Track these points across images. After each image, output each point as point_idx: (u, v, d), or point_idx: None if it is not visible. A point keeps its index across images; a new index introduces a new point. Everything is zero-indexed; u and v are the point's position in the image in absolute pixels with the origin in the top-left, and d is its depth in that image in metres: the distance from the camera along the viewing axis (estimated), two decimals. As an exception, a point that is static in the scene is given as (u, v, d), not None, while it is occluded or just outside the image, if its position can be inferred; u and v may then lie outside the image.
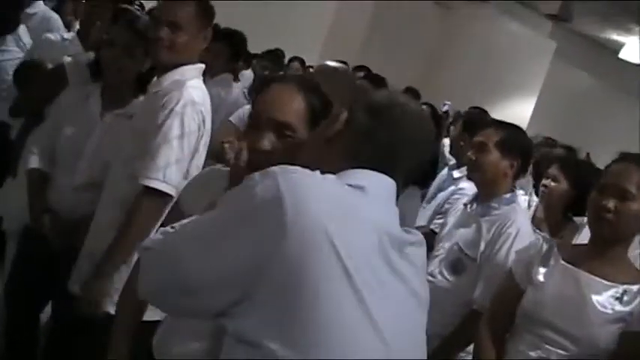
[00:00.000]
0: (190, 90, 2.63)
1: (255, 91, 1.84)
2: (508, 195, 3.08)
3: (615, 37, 11.46)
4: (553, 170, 3.79)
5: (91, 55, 3.22)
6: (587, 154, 8.25)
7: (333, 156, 1.58)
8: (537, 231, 3.60)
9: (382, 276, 1.45)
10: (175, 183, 2.56)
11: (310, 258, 1.36)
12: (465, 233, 3.04)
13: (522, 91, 11.87)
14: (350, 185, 1.49)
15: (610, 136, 11.85)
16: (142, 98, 3.00)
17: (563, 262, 2.41)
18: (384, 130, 1.55)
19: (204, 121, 2.66)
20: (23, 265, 3.11)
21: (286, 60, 7.32)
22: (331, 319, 1.36)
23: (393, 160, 1.56)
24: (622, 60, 11.39)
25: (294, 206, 1.38)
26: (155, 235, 1.56)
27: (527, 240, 2.91)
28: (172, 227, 1.54)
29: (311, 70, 8.36)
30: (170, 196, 2.54)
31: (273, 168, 1.47)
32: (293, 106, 1.78)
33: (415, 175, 1.68)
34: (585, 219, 3.84)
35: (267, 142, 1.73)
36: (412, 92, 7.72)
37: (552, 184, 3.75)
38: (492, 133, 3.07)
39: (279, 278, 1.36)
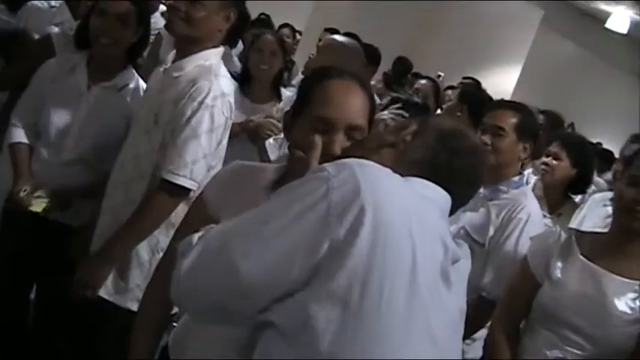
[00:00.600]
0: (220, 79, 2.52)
1: (305, 87, 1.82)
2: (516, 178, 3.03)
3: (603, 6, 11.38)
4: (555, 148, 3.79)
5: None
6: (572, 124, 8.24)
7: (392, 162, 1.57)
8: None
9: (440, 285, 1.46)
10: (200, 179, 2.46)
11: (385, 255, 1.34)
12: (471, 217, 2.97)
13: (508, 59, 11.82)
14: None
15: (594, 107, 11.89)
16: (134, 78, 2.92)
17: (582, 257, 2.36)
18: (447, 155, 1.59)
19: (231, 112, 2.57)
20: (7, 241, 3.03)
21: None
22: (391, 321, 1.34)
23: (448, 185, 1.58)
24: (608, 30, 11.36)
25: (376, 201, 1.36)
26: (199, 233, 1.49)
27: (539, 225, 2.91)
28: (215, 226, 1.48)
29: (298, 36, 8.30)
30: (190, 191, 2.46)
31: (348, 160, 1.45)
32: (362, 106, 1.74)
33: (461, 206, 1.69)
34: (584, 197, 3.86)
35: (339, 146, 1.69)
36: (404, 62, 7.67)
37: (554, 162, 3.76)
38: (509, 115, 2.99)
39: (345, 273, 1.32)
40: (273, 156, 3.25)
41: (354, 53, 3.59)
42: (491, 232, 2.92)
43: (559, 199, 3.82)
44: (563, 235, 2.45)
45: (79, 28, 2.98)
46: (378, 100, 5.64)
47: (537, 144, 3.20)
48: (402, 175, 1.52)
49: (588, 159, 3.93)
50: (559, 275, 2.37)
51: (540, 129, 5.09)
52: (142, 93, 2.95)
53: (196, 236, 1.48)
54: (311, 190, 1.38)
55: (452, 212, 1.62)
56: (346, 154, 1.63)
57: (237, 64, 4.77)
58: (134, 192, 2.56)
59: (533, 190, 3.83)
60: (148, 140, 2.56)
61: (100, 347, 2.58)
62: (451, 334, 1.51)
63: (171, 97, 2.52)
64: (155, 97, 2.63)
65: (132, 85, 2.95)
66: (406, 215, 1.41)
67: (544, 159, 3.82)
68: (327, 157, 1.63)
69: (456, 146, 1.61)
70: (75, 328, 2.72)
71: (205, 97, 2.44)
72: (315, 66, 3.59)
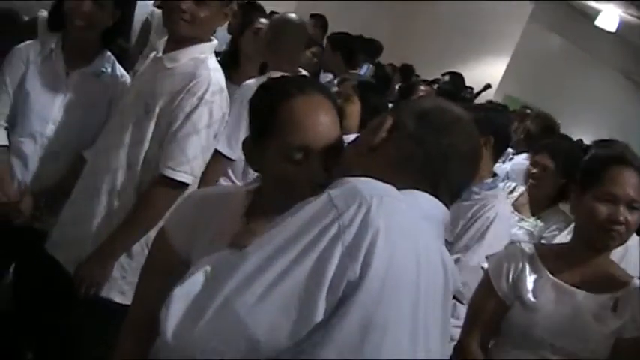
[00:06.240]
0: (217, 74, 2.50)
1: (263, 108, 1.65)
2: (489, 180, 3.04)
3: (592, 3, 11.39)
4: (542, 159, 3.72)
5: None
6: (558, 124, 8.21)
7: (380, 167, 1.46)
8: (519, 219, 3.59)
9: (436, 318, 1.41)
10: (199, 174, 2.47)
11: (392, 293, 1.28)
12: None
13: (496, 52, 11.81)
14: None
15: (580, 103, 11.93)
16: (110, 62, 2.85)
17: (551, 276, 2.30)
18: (434, 136, 1.48)
19: (228, 106, 2.56)
20: None
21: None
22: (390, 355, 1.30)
23: (444, 168, 1.48)
24: (597, 27, 11.36)
25: (388, 230, 1.29)
26: (196, 281, 1.31)
27: (505, 225, 2.93)
28: (211, 271, 1.31)
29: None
30: (188, 185, 2.44)
31: (353, 183, 1.34)
32: (333, 119, 1.62)
33: (463, 188, 1.58)
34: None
35: (321, 171, 1.57)
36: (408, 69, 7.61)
37: (542, 173, 3.71)
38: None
39: (356, 308, 1.26)
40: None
41: (298, 30, 3.63)
42: (458, 228, 2.92)
43: (545, 206, 3.77)
44: (526, 251, 2.37)
45: (53, 9, 2.89)
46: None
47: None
48: (395, 178, 1.42)
49: (576, 166, 3.87)
50: (532, 299, 2.29)
51: (532, 134, 5.10)
52: (120, 79, 2.90)
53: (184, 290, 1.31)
54: (322, 236, 1.27)
55: (458, 195, 1.55)
56: (328, 175, 1.55)
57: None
58: (120, 181, 2.51)
59: (518, 199, 3.85)
60: (137, 129, 2.50)
61: (80, 336, 2.53)
62: (443, 350, 1.48)
63: (166, 88, 2.48)
64: (146, 86, 2.57)
65: (109, 70, 2.88)
66: (414, 241, 1.35)
67: (531, 169, 3.76)
68: (310, 183, 1.55)
69: (440, 123, 1.49)
70: (57, 313, 2.66)
71: (205, 93, 2.42)
72: (261, 45, 3.61)
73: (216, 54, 3.67)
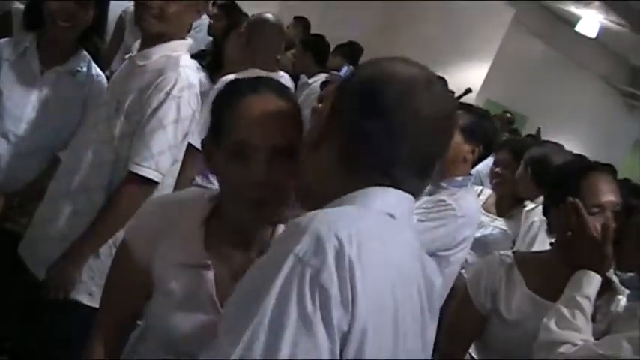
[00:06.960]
0: (187, 70, 2.45)
1: (217, 107, 1.59)
2: (461, 178, 3.00)
3: (573, 9, 11.46)
4: (503, 156, 3.76)
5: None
6: (539, 128, 8.28)
7: (324, 165, 1.27)
8: (492, 219, 3.59)
9: (415, 331, 1.26)
10: (165, 171, 2.41)
11: (374, 325, 1.12)
12: None
13: (478, 55, 11.84)
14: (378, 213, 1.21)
15: (561, 107, 11.99)
16: (86, 61, 2.82)
17: (529, 290, 2.22)
18: (380, 117, 1.21)
19: (198, 104, 2.49)
20: None
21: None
22: None
23: (397, 152, 1.22)
24: (578, 33, 11.44)
25: (364, 273, 1.10)
26: None
27: (457, 213, 2.88)
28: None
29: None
30: (157, 183, 2.39)
31: (312, 227, 1.11)
32: (290, 124, 1.53)
33: (435, 159, 1.30)
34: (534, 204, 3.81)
35: (261, 173, 1.48)
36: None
37: (504, 171, 3.74)
38: (459, 117, 2.92)
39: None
40: None
41: (274, 30, 3.64)
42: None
43: (511, 204, 3.79)
44: (505, 261, 2.29)
45: (30, 7, 2.86)
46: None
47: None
48: (347, 180, 1.23)
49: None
50: (508, 315, 2.23)
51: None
52: (96, 78, 2.88)
53: None
54: (314, 304, 1.08)
55: (430, 169, 1.30)
56: (281, 183, 1.47)
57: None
58: (91, 179, 2.47)
59: (486, 201, 3.85)
60: (108, 127, 2.46)
61: (51, 339, 2.47)
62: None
63: (136, 85, 2.45)
64: (118, 85, 2.55)
65: (85, 70, 2.85)
66: (387, 264, 1.18)
67: (494, 168, 3.79)
68: (253, 185, 1.49)
69: (384, 99, 1.22)
70: (29, 317, 2.60)
71: (172, 88, 2.38)
72: (239, 45, 3.63)
73: (199, 56, 3.68)
